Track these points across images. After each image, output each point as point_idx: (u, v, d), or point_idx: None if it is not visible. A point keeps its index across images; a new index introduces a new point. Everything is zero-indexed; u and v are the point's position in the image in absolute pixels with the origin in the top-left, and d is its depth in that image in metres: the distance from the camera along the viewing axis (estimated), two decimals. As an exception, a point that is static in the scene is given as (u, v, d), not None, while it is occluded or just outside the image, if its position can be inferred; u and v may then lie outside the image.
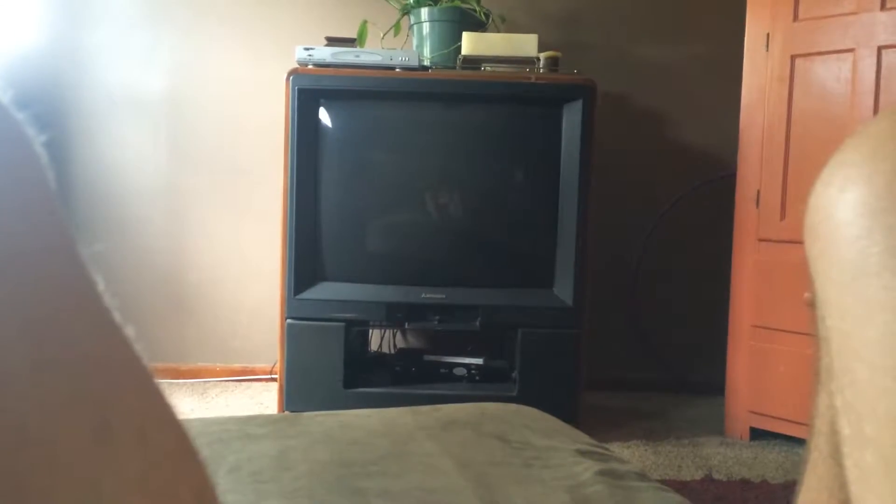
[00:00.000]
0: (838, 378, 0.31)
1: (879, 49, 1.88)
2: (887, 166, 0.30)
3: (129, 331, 0.24)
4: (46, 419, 0.19)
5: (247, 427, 0.99)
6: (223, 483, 0.81)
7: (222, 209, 2.63)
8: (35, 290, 0.20)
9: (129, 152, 2.59)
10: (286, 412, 2.07)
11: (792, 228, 2.03)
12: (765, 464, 1.97)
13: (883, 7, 1.88)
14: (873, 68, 1.89)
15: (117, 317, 0.23)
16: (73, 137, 2.57)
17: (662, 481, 1.13)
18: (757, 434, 2.15)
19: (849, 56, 1.94)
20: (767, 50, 2.08)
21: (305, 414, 1.07)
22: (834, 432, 0.32)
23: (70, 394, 0.20)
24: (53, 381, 0.20)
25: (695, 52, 2.64)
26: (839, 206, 0.31)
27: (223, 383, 2.59)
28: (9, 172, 0.22)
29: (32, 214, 0.22)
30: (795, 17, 2.03)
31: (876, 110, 1.89)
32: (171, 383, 2.56)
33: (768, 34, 2.07)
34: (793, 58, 2.03)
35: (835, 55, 1.96)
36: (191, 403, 2.36)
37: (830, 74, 1.98)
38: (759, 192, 2.10)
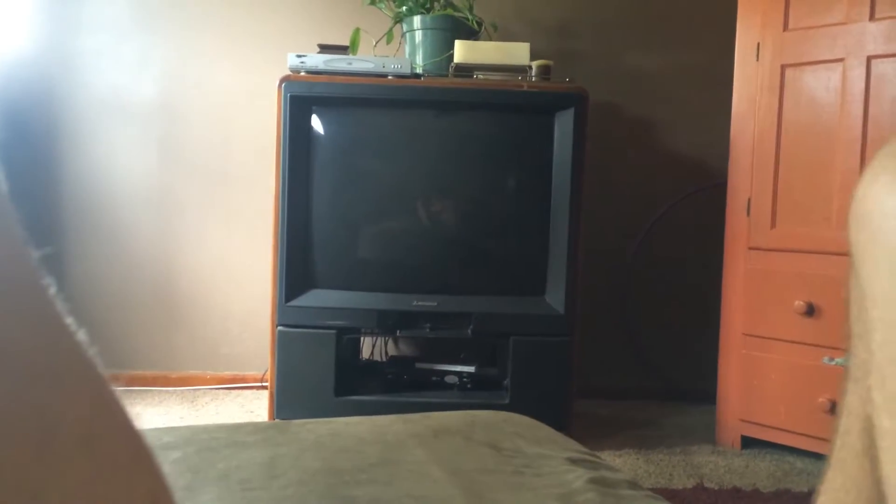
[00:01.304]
0: (880, 369, 0.31)
1: (869, 59, 1.90)
2: None
3: (82, 335, 0.23)
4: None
5: (236, 435, 0.98)
6: (212, 491, 0.80)
7: (213, 216, 2.62)
8: None
9: (120, 159, 2.58)
10: (276, 420, 2.05)
11: (783, 237, 2.04)
12: (756, 472, 1.97)
13: (872, 17, 1.90)
14: (863, 78, 1.91)
15: (68, 321, 0.22)
16: (64, 143, 2.55)
17: (654, 490, 1.13)
18: (748, 443, 2.15)
19: (838, 66, 1.95)
20: (758, 59, 2.09)
21: (295, 421, 1.06)
22: (868, 428, 0.32)
23: (9, 402, 0.19)
24: None
25: (686, 61, 2.66)
26: (890, 195, 0.31)
27: (213, 391, 2.57)
28: None
29: None
30: (786, 27, 2.04)
31: (865, 120, 1.91)
32: (161, 391, 2.54)
33: (759, 44, 2.09)
34: (783, 67, 2.05)
35: (824, 65, 1.98)
36: (180, 411, 2.34)
37: (820, 84, 1.99)
38: (749, 200, 2.11)
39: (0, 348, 0.20)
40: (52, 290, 0.22)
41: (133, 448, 0.23)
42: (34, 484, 0.19)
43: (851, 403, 0.35)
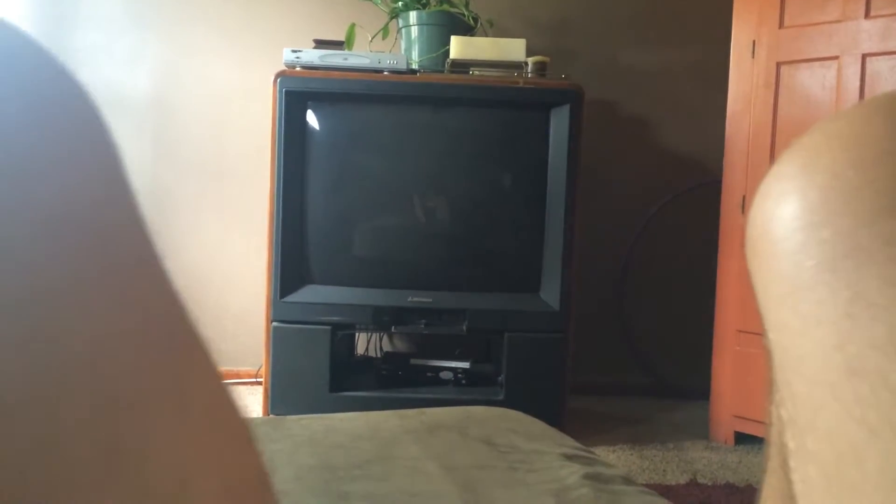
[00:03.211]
0: (781, 391, 0.31)
1: (864, 57, 1.90)
2: (821, 179, 0.30)
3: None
4: (135, 385, 0.19)
5: (230, 430, 0.98)
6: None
7: (208, 212, 2.61)
8: (113, 261, 0.21)
9: (114, 153, 2.57)
10: (271, 416, 2.05)
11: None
12: (749, 468, 1.98)
13: (867, 15, 1.90)
14: (857, 76, 1.91)
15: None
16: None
17: (647, 485, 1.13)
18: (741, 438, 2.16)
19: (833, 63, 1.96)
20: (753, 57, 2.09)
21: (290, 417, 1.06)
22: (783, 444, 0.32)
23: (155, 365, 0.20)
24: (138, 354, 0.20)
25: (681, 58, 2.66)
26: (775, 219, 0.31)
27: (208, 387, 2.57)
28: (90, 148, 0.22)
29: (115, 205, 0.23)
30: (781, 25, 2.05)
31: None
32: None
33: (754, 41, 2.09)
34: (778, 65, 2.05)
35: (819, 62, 1.98)
36: (175, 407, 2.34)
37: (815, 82, 2.00)
38: (744, 198, 2.12)
39: (142, 318, 0.21)
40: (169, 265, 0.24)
41: (244, 424, 0.25)
42: (178, 452, 0.20)
43: (772, 416, 0.36)
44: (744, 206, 2.12)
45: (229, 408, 0.24)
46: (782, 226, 0.30)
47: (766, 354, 0.35)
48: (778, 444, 0.34)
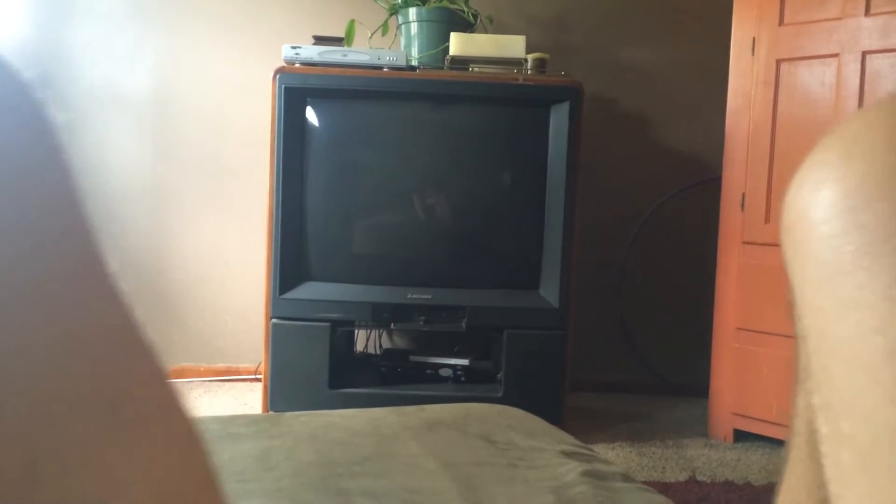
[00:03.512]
0: (815, 376, 0.31)
1: (864, 54, 1.90)
2: (860, 166, 0.30)
3: (139, 315, 0.24)
4: (59, 396, 0.19)
5: (229, 427, 0.98)
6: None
7: (207, 208, 2.61)
8: (52, 267, 0.21)
9: (113, 150, 2.57)
10: (270, 412, 2.05)
11: (776, 232, 2.04)
12: (748, 465, 1.98)
13: (867, 13, 1.90)
14: (857, 73, 1.91)
15: (128, 300, 0.24)
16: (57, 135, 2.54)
17: (646, 483, 1.13)
18: (740, 436, 2.16)
19: (833, 61, 1.96)
20: (753, 54, 2.09)
21: (289, 414, 1.06)
22: (812, 432, 0.32)
23: (84, 373, 0.20)
24: (66, 360, 0.20)
25: (682, 55, 2.65)
26: (813, 205, 0.31)
27: (207, 383, 2.57)
28: (33, 155, 0.21)
29: (54, 200, 0.22)
30: (781, 22, 2.04)
31: (859, 115, 1.91)
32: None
33: (754, 38, 2.09)
34: (778, 62, 2.05)
35: (819, 60, 1.98)
36: (174, 403, 2.34)
37: (815, 79, 1.99)
38: (744, 195, 2.12)
39: (74, 323, 0.20)
40: (113, 269, 0.23)
41: (187, 428, 0.24)
42: (105, 458, 0.20)
43: (799, 405, 0.36)
44: (743, 204, 2.12)
45: (170, 413, 0.24)
46: (821, 211, 0.31)
47: (796, 342, 0.35)
48: (806, 433, 0.35)
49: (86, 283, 0.22)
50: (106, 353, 0.21)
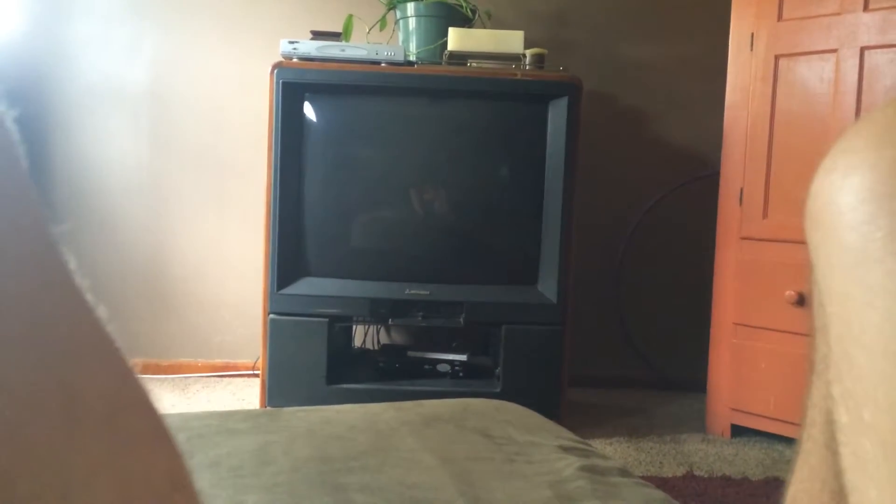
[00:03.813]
0: (837, 365, 0.31)
1: (862, 50, 1.90)
2: (892, 153, 0.30)
3: (102, 313, 0.23)
4: (12, 398, 0.19)
5: (227, 422, 0.98)
6: (203, 478, 0.80)
7: (205, 203, 2.60)
8: (2, 263, 0.20)
9: (111, 146, 2.56)
10: (268, 408, 2.05)
11: (774, 227, 2.05)
12: (746, 461, 1.99)
13: (866, 8, 1.90)
14: (856, 69, 1.91)
15: (89, 297, 0.23)
16: (54, 131, 2.53)
17: (644, 478, 1.14)
18: (738, 431, 2.16)
19: (832, 56, 1.95)
20: (752, 50, 2.09)
21: (287, 409, 1.06)
22: (829, 422, 0.32)
23: (34, 372, 0.19)
24: (18, 360, 0.19)
25: (680, 51, 2.65)
26: (842, 191, 0.31)
27: (204, 379, 2.57)
28: None
29: None
30: (780, 17, 2.04)
31: (858, 111, 1.91)
32: (152, 379, 2.53)
33: (753, 34, 2.09)
34: (777, 58, 2.05)
35: (818, 55, 1.98)
36: (171, 399, 2.34)
37: (814, 74, 1.99)
38: (742, 190, 2.12)
39: (25, 319, 0.20)
40: (72, 265, 0.22)
41: (153, 426, 0.24)
42: (60, 456, 0.19)
43: (815, 396, 0.36)
44: (741, 199, 2.12)
45: (135, 410, 0.23)
46: (851, 197, 0.31)
47: (813, 334, 0.35)
48: (822, 423, 0.35)
49: (39, 279, 0.21)
50: (62, 349, 0.21)
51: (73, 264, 0.23)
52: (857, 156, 0.31)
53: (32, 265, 0.21)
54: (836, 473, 0.31)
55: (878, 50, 1.88)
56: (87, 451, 0.20)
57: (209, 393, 2.43)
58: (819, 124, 1.97)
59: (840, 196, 0.31)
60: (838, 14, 1.94)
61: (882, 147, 0.30)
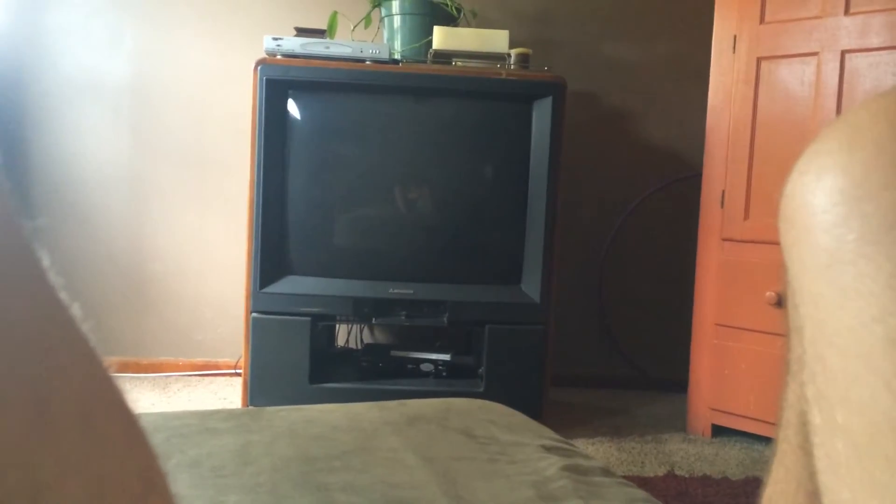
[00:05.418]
0: (810, 366, 0.31)
1: (843, 53, 1.92)
2: (864, 155, 0.30)
3: (77, 311, 0.23)
4: None
5: (208, 421, 0.97)
6: (183, 478, 0.79)
7: (186, 200, 2.58)
8: None
9: (91, 140, 2.53)
10: (250, 407, 2.04)
11: (755, 229, 2.07)
12: (726, 460, 2.00)
13: (847, 12, 1.92)
14: (836, 72, 1.93)
15: (62, 295, 0.22)
16: (32, 124, 2.50)
17: (626, 477, 1.14)
18: (718, 431, 2.18)
19: (813, 59, 1.97)
20: (734, 52, 2.10)
21: (268, 408, 1.05)
22: (804, 423, 0.32)
23: (7, 372, 0.19)
24: None
25: (663, 52, 2.67)
26: (816, 193, 0.31)
27: (185, 378, 2.54)
28: None
29: None
30: (762, 20, 2.06)
31: (839, 113, 1.93)
32: (132, 377, 2.51)
33: (735, 36, 2.10)
34: (759, 60, 2.06)
35: (799, 58, 2.00)
36: (152, 398, 2.31)
37: (795, 77, 2.01)
38: (724, 192, 2.13)
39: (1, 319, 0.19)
40: (45, 262, 0.22)
41: (127, 426, 0.23)
42: (30, 457, 0.19)
43: (790, 397, 0.36)
44: (723, 201, 2.13)
45: (108, 409, 0.23)
46: (823, 199, 0.31)
47: (788, 335, 0.35)
48: (797, 424, 0.35)
49: (10, 276, 0.21)
50: (34, 349, 0.20)
51: (46, 261, 0.22)
52: (830, 158, 0.31)
53: (2, 262, 0.20)
54: (811, 474, 0.31)
55: (859, 53, 1.90)
56: (59, 452, 0.20)
57: (190, 392, 2.41)
58: (800, 127, 1.99)
59: (813, 198, 0.31)
60: (819, 17, 1.96)
61: (854, 149, 0.31)
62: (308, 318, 2.04)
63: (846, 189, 0.30)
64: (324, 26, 2.25)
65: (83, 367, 0.22)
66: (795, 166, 0.33)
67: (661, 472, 1.89)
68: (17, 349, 0.20)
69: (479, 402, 1.13)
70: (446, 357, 2.20)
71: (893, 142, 0.29)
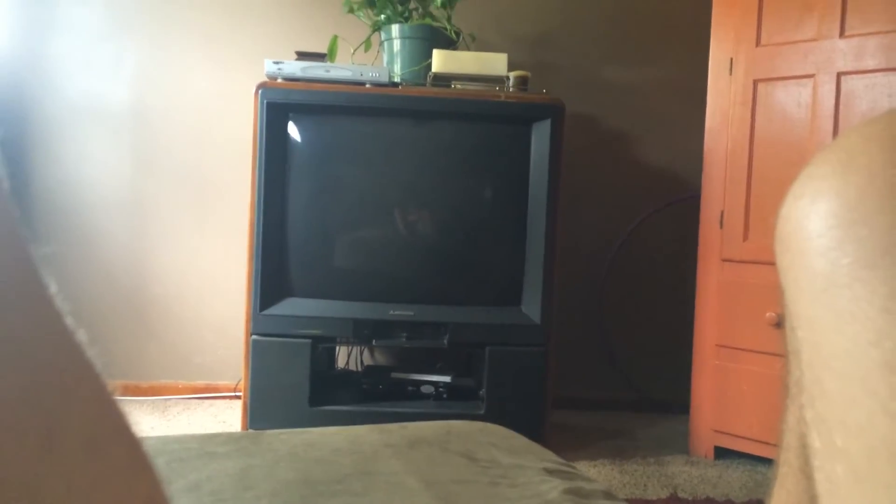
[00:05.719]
0: (809, 390, 0.31)
1: (839, 75, 1.94)
2: (858, 179, 0.30)
3: (82, 336, 0.23)
4: None
5: (208, 445, 0.96)
6: (183, 502, 0.79)
7: (187, 223, 2.59)
8: None
9: (93, 164, 2.55)
10: (250, 430, 2.03)
11: (755, 249, 2.07)
12: (729, 483, 1.99)
13: (842, 34, 1.94)
14: (832, 94, 1.95)
15: (69, 321, 0.22)
16: (34, 148, 2.51)
17: (628, 500, 1.13)
18: (721, 453, 2.17)
19: (809, 82, 1.99)
20: (731, 74, 2.12)
21: (269, 432, 1.05)
22: (804, 446, 0.32)
23: (14, 400, 0.19)
24: None
25: (661, 74, 2.69)
26: (810, 217, 0.31)
27: (185, 401, 2.53)
28: None
29: None
30: (758, 43, 2.08)
31: (835, 135, 1.94)
32: (132, 401, 2.50)
33: (732, 59, 2.12)
34: (755, 82, 2.08)
35: (795, 80, 2.02)
36: (151, 421, 2.30)
37: (791, 99, 2.03)
38: (722, 213, 2.14)
39: (5, 346, 0.19)
40: (53, 289, 0.22)
41: (133, 453, 0.23)
42: (37, 483, 0.19)
43: (789, 420, 0.36)
44: (722, 221, 2.14)
45: (115, 437, 0.23)
46: (818, 223, 0.31)
47: (787, 358, 0.35)
48: (797, 447, 0.34)
49: (20, 303, 0.21)
50: (42, 376, 0.20)
51: (54, 287, 0.22)
52: (824, 182, 0.31)
53: (12, 289, 0.21)
54: (812, 498, 0.31)
55: (854, 75, 1.92)
56: (65, 479, 0.20)
57: (189, 415, 2.40)
58: (797, 148, 2.01)
59: (808, 222, 0.31)
60: (815, 40, 1.98)
61: (848, 173, 0.31)
62: (308, 340, 2.03)
63: (840, 213, 0.30)
64: (324, 50, 2.28)
65: (90, 393, 0.22)
66: (790, 190, 0.33)
67: (664, 494, 1.87)
68: (26, 376, 0.20)
69: (480, 424, 1.13)
70: (447, 379, 2.20)
71: (886, 166, 0.30)
